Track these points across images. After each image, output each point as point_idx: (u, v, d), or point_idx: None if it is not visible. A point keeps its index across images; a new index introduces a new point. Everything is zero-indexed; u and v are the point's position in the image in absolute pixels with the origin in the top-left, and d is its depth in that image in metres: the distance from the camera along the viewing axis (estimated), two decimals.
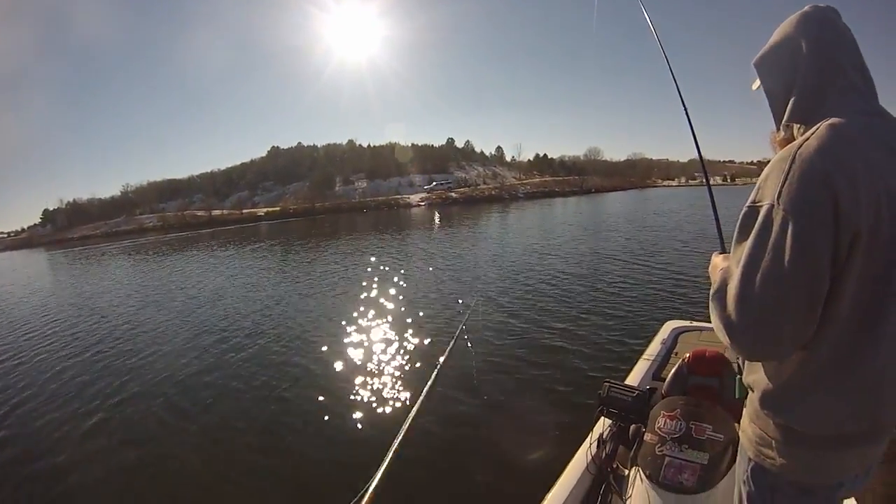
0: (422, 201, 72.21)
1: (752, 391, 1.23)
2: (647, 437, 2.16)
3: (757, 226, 1.05)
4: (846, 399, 1.07)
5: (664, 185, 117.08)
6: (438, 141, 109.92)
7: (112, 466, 4.87)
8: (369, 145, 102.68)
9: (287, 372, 6.86)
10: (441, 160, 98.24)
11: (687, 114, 2.09)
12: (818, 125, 1.07)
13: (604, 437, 2.61)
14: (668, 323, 4.40)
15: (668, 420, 2.15)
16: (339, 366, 6.83)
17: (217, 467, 4.70)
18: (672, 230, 21.39)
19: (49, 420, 6.16)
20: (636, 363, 3.67)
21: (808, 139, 1.04)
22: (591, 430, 2.60)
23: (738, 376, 1.42)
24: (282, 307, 11.26)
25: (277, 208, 78.37)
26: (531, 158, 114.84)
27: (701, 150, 2.00)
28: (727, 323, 1.05)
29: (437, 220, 39.00)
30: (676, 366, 2.64)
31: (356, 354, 7.23)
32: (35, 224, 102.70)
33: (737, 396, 1.61)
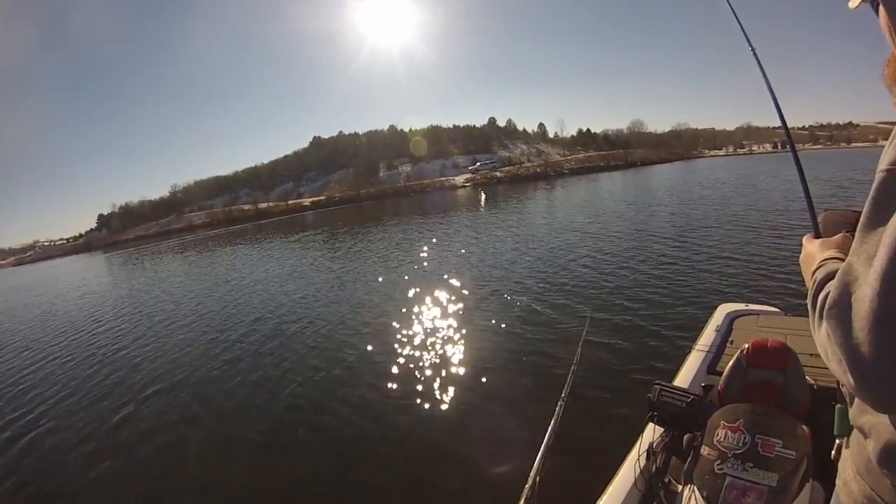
0: (467, 182, 71.93)
1: (866, 437, 0.85)
2: (705, 450, 1.92)
3: None
4: None
5: (711, 155, 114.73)
6: (480, 121, 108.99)
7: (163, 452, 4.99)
8: (410, 129, 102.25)
9: (379, 375, 6.10)
10: (484, 140, 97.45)
11: (763, 72, 1.58)
12: None
13: (654, 447, 2.33)
14: (721, 307, 4.03)
15: (729, 432, 1.91)
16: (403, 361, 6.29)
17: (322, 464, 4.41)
18: (720, 203, 19.68)
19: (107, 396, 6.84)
20: (688, 354, 3.32)
21: None
22: (640, 437, 2.39)
23: (840, 406, 1.04)
24: (342, 296, 10.80)
25: (322, 197, 79.30)
26: (574, 134, 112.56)
27: (778, 113, 1.59)
28: (852, 354, 0.66)
29: (482, 201, 38.33)
30: (734, 358, 2.41)
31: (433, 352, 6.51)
32: (92, 229, 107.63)
33: (836, 433, 1.24)
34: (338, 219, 41.13)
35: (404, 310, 8.49)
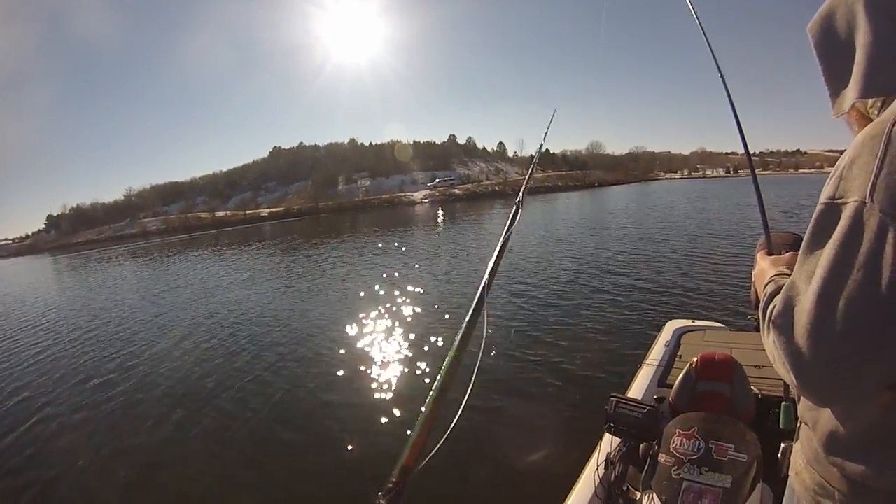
0: (425, 198, 72.32)
1: (812, 430, 0.98)
2: (662, 458, 2.00)
3: (840, 231, 0.77)
4: None
5: (667, 178, 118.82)
6: (440, 137, 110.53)
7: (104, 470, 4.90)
8: (371, 143, 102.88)
9: (303, 372, 6.67)
10: (443, 157, 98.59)
11: (730, 98, 1.77)
12: None
13: (612, 457, 2.45)
14: (669, 323, 4.19)
15: (684, 439, 1.98)
16: (349, 366, 6.65)
17: (231, 469, 4.62)
18: (670, 226, 20.98)
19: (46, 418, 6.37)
20: (639, 369, 3.47)
21: None
22: (598, 448, 2.48)
23: (785, 403, 1.23)
24: (289, 307, 11.04)
25: (280, 208, 78.81)
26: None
27: (741, 137, 1.73)
28: (795, 358, 0.80)
29: (440, 218, 38.45)
30: (684, 371, 2.50)
31: (364, 353, 7.11)
32: (39, 230, 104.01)
33: (781, 426, 1.44)
34: (295, 231, 40.67)
35: (352, 324, 8.58)
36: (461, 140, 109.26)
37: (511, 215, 1.45)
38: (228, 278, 17.21)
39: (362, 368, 6.50)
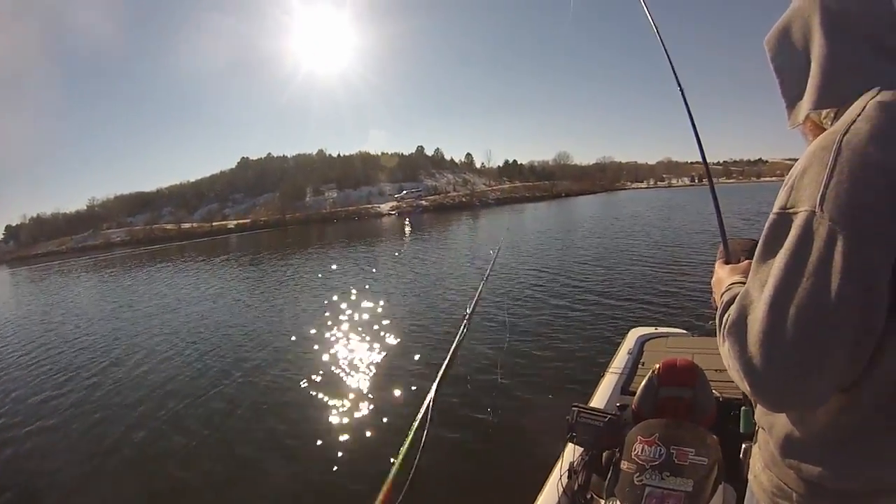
0: (392, 210, 72.35)
1: (768, 434, 1.01)
2: (624, 465, 2.03)
3: (791, 240, 0.80)
4: (893, 450, 0.86)
5: (633, 188, 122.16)
6: (408, 149, 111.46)
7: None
8: (339, 154, 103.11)
9: (276, 385, 6.68)
10: (411, 168, 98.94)
11: (689, 110, 1.84)
12: (863, 103, 0.82)
13: (575, 466, 2.46)
14: (632, 331, 4.22)
15: (646, 446, 2.02)
16: (321, 378, 6.64)
17: (211, 480, 4.61)
18: (635, 234, 21.43)
19: None
20: (603, 377, 3.48)
21: (853, 121, 0.80)
22: (560, 458, 2.48)
23: (745, 408, 1.29)
24: (259, 320, 10.88)
25: (248, 220, 78.16)
26: (501, 165, 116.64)
27: (699, 147, 1.77)
28: (747, 366, 0.82)
29: (407, 230, 38.35)
30: (647, 378, 2.51)
31: (330, 366, 7.07)
32: None
33: (742, 431, 1.53)
34: (262, 243, 40.11)
35: (316, 340, 8.47)
36: (429, 151, 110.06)
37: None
38: (194, 292, 16.97)
39: (327, 385, 6.40)
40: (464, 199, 78.44)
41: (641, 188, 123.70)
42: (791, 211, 0.80)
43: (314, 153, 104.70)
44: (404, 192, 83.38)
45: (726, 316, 0.89)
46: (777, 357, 0.77)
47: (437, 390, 5.39)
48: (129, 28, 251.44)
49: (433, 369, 6.13)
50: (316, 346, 8.06)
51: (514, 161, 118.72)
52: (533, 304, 9.51)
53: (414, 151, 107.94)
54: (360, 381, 6.45)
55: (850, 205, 0.73)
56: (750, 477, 1.10)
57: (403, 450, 4.26)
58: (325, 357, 7.48)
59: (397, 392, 5.87)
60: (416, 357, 6.96)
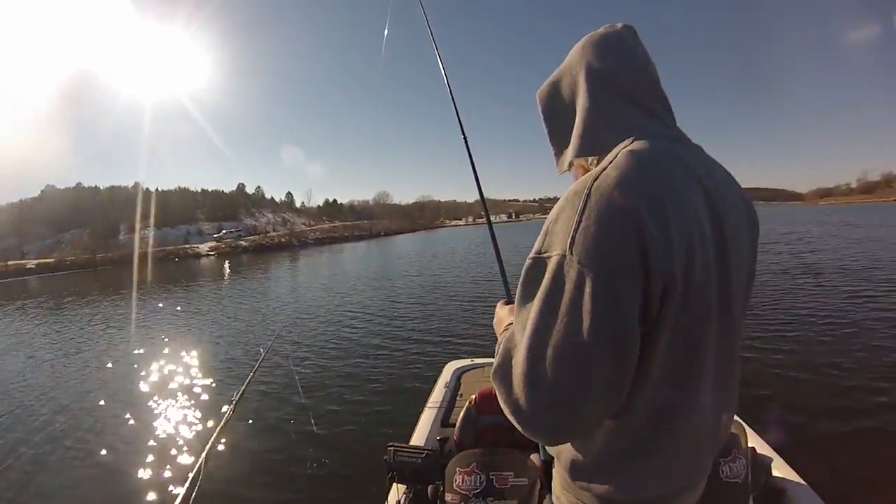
0: (211, 250, 70.29)
1: (558, 461, 1.02)
2: (448, 497, 2.02)
3: (545, 284, 0.81)
4: (668, 460, 0.92)
5: (452, 225, 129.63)
6: (229, 186, 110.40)
7: None
8: (157, 189, 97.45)
9: (75, 436, 6.13)
10: (232, 207, 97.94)
11: (469, 152, 1.99)
12: (616, 152, 0.89)
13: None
14: (448, 364, 4.22)
15: (465, 476, 2.01)
16: (129, 423, 6.31)
17: None
18: (454, 269, 22.58)
19: None
20: (422, 412, 3.39)
21: (605, 169, 0.83)
22: (387, 499, 2.42)
23: None
24: (54, 379, 9.14)
25: (51, 260, 71.77)
26: (321, 204, 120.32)
27: (483, 189, 1.93)
28: (515, 409, 0.83)
29: (227, 272, 36.36)
30: (465, 409, 2.58)
31: (132, 425, 6.37)
32: None
33: (542, 459, 1.80)
34: (69, 286, 33.24)
35: (121, 394, 7.72)
36: (250, 189, 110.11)
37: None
38: None
39: (130, 442, 5.85)
40: (283, 240, 78.45)
41: (461, 225, 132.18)
42: (545, 255, 0.83)
43: (130, 186, 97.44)
44: (224, 231, 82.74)
45: (497, 357, 0.91)
46: (539, 399, 0.79)
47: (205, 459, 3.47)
48: None
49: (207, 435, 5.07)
50: (120, 408, 6.99)
51: (335, 200, 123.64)
52: (348, 350, 9.18)
53: (234, 189, 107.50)
54: (139, 450, 5.53)
55: (597, 247, 0.76)
56: (553, 497, 1.09)
57: None
58: (131, 421, 6.47)
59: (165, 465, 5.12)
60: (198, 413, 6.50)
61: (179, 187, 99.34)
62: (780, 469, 2.48)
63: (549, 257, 0.83)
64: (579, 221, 0.79)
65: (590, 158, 1.02)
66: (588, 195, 0.80)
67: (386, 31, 3.50)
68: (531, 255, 0.86)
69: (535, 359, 0.80)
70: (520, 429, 0.85)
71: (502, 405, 0.86)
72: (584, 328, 0.76)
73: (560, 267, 0.80)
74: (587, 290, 0.76)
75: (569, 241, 0.79)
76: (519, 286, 0.89)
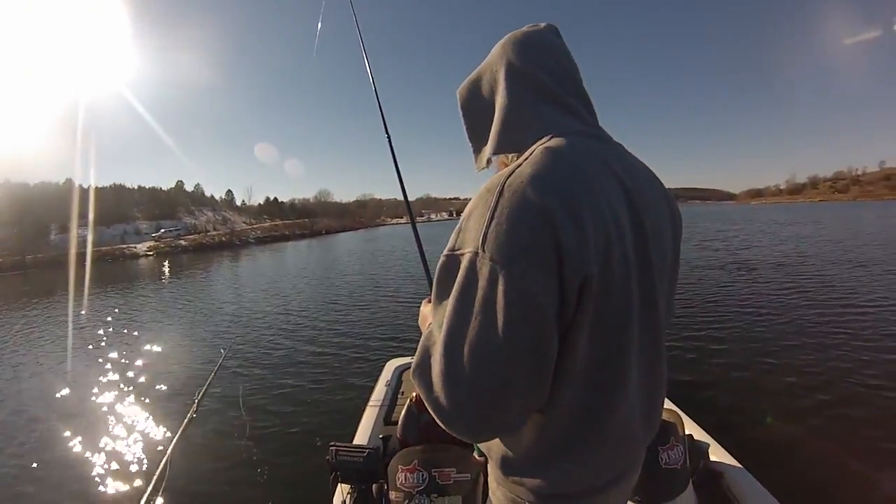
0: (150, 250, 67.81)
1: (489, 456, 1.03)
2: (392, 495, 2.04)
3: (459, 281, 0.81)
4: (597, 453, 0.93)
5: (393, 223, 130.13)
6: (167, 184, 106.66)
7: None
8: (90, 186, 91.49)
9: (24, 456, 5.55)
10: (170, 205, 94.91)
11: (392, 152, 2.02)
12: (532, 149, 0.90)
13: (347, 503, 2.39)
14: (389, 362, 4.20)
15: (407, 474, 2.03)
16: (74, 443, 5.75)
17: None
18: (392, 268, 22.65)
19: None
20: (364, 411, 3.40)
21: (520, 165, 0.84)
22: (333, 499, 2.39)
23: None
24: None
25: None
26: (262, 203, 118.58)
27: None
28: (436, 407, 0.83)
29: (166, 273, 34.85)
30: (406, 407, 2.59)
31: (90, 428, 6.09)
32: None
33: (476, 456, 1.80)
34: None
35: (57, 409, 6.97)
36: (189, 187, 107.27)
37: None
38: None
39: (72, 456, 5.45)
40: (224, 239, 76.50)
41: (401, 223, 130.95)
42: (458, 252, 0.83)
43: (61, 182, 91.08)
44: (162, 230, 79.99)
45: (416, 354, 0.90)
46: (458, 396, 0.79)
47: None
48: None
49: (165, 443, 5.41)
50: (59, 422, 6.49)
51: (276, 199, 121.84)
52: (285, 353, 8.97)
53: (173, 187, 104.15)
54: (85, 462, 5.27)
55: (508, 244, 0.76)
56: (490, 493, 1.10)
57: None
58: (71, 437, 5.96)
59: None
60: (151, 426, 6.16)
61: (115, 184, 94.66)
62: (717, 453, 2.59)
63: (463, 254, 0.83)
64: (491, 218, 0.79)
65: (510, 156, 1.02)
66: (501, 192, 0.80)
67: (319, 25, 3.47)
68: (445, 252, 0.87)
69: (453, 356, 0.80)
70: (443, 426, 0.85)
71: (426, 403, 0.87)
72: (499, 325, 0.76)
73: (472, 264, 0.80)
74: (500, 287, 0.76)
75: (481, 237, 0.79)
76: (434, 284, 0.89)
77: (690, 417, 2.85)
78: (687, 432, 2.40)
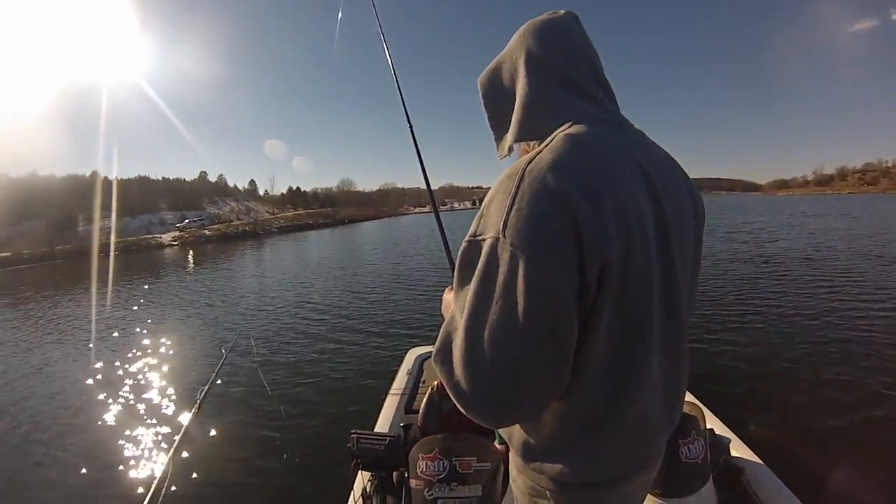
0: (174, 240, 68.25)
1: (510, 443, 1.04)
2: (413, 483, 2.05)
3: (480, 267, 0.82)
4: (619, 441, 0.93)
5: (416, 212, 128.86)
6: (192, 174, 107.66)
7: None
8: (116, 178, 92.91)
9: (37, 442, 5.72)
10: (194, 195, 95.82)
11: (414, 141, 2.05)
12: (553, 136, 0.90)
13: (367, 491, 2.41)
14: (410, 351, 4.23)
15: (428, 462, 2.03)
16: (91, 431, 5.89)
17: None
18: (416, 256, 22.84)
19: None
20: (385, 400, 3.43)
21: (540, 152, 0.85)
22: (353, 486, 2.41)
23: None
24: (15, 379, 8.42)
25: (7, 253, 68.81)
26: (284, 192, 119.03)
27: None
28: (457, 391, 0.85)
29: (191, 262, 35.27)
30: (427, 395, 2.62)
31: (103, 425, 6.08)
32: None
33: (497, 443, 1.81)
34: (26, 281, 31.04)
35: (83, 401, 6.96)
36: (212, 178, 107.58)
37: None
38: None
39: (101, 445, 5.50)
40: (247, 228, 76.54)
41: (424, 212, 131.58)
42: (480, 238, 0.84)
43: (87, 174, 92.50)
44: (186, 220, 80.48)
45: (438, 340, 0.92)
46: (479, 380, 0.81)
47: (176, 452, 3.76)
48: None
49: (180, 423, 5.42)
50: (88, 407, 6.66)
51: (298, 188, 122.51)
52: (308, 340, 9.06)
53: (196, 177, 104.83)
54: (108, 446, 5.40)
55: (529, 230, 0.76)
56: (511, 480, 1.11)
57: None
58: (98, 421, 6.16)
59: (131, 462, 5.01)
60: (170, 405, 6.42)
61: (140, 176, 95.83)
62: (738, 449, 2.56)
63: (484, 240, 0.84)
64: (512, 204, 0.80)
65: (532, 143, 1.00)
66: (521, 178, 0.81)
67: (339, 15, 3.48)
68: (466, 237, 0.88)
69: (474, 341, 0.80)
70: (463, 411, 0.86)
71: (447, 388, 0.87)
72: (519, 310, 0.77)
73: (494, 249, 0.81)
74: (520, 272, 0.77)
75: (502, 223, 0.80)
76: (456, 270, 0.90)
77: (712, 411, 2.81)
78: (708, 426, 2.37)
